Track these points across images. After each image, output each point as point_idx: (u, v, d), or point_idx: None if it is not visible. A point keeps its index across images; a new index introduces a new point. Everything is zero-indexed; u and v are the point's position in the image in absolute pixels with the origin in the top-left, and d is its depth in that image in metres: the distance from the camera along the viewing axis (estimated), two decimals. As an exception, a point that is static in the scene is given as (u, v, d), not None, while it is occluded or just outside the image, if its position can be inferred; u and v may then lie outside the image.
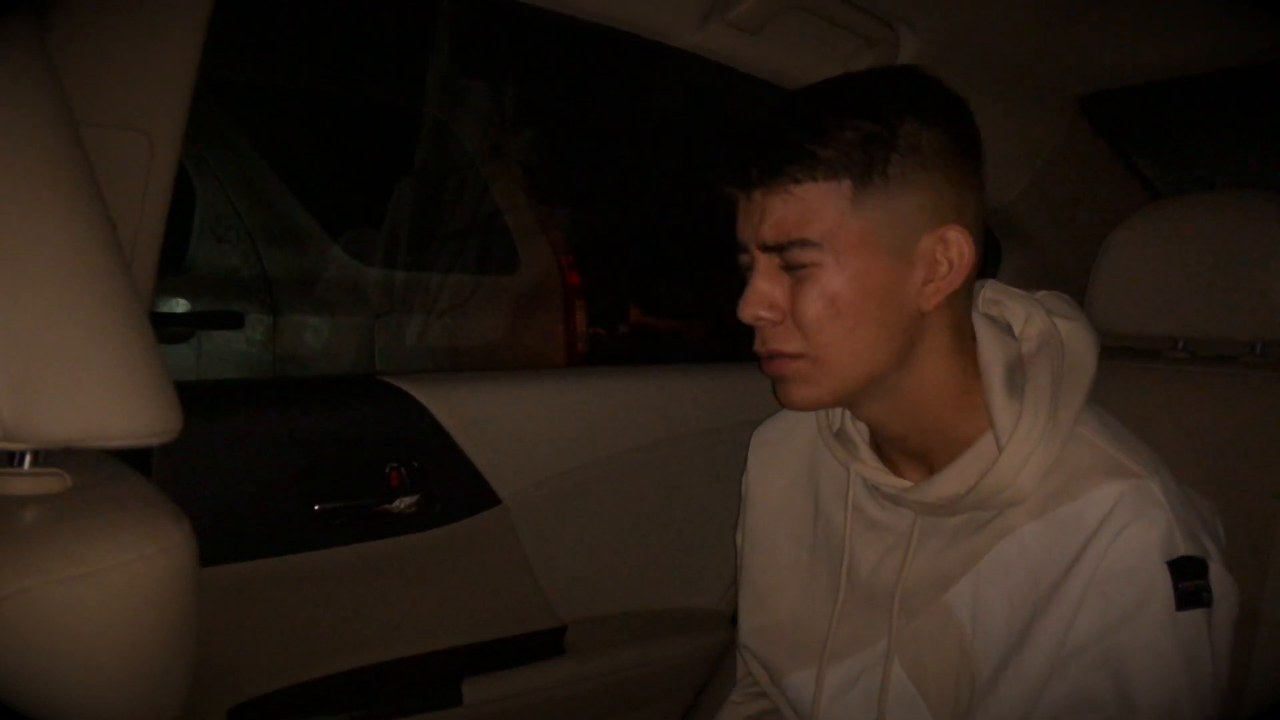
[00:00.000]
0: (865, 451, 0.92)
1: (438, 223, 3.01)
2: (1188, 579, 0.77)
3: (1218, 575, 0.78)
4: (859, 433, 0.94)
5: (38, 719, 0.55)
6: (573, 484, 1.38)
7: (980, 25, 1.30)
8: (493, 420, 1.31)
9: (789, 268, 0.81)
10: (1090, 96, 1.56)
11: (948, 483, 0.84)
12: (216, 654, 1.09)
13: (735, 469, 1.09)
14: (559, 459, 1.36)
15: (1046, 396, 0.82)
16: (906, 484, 0.88)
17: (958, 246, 0.80)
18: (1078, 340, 0.87)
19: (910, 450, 0.89)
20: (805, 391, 0.83)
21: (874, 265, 0.79)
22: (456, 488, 1.28)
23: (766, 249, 0.81)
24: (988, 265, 1.52)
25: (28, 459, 0.62)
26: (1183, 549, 0.77)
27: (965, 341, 0.86)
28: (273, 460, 1.17)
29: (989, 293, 0.93)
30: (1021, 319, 0.90)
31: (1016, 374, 0.84)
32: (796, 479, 1.02)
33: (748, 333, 0.86)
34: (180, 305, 2.56)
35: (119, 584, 0.58)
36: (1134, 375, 1.22)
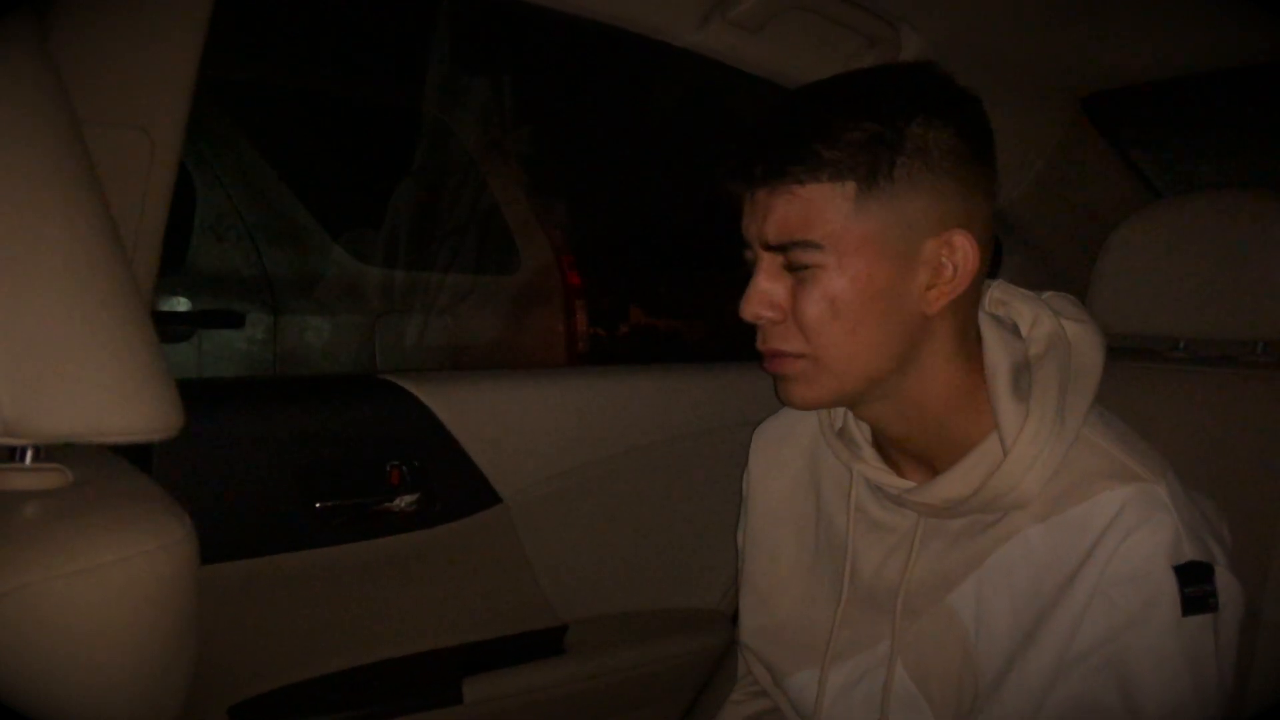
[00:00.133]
0: (868, 451, 0.92)
1: (438, 222, 3.01)
2: (1194, 584, 0.76)
3: (1224, 580, 0.78)
4: (861, 432, 0.93)
5: (37, 716, 0.55)
6: (573, 483, 1.38)
7: (981, 25, 1.30)
8: (494, 419, 1.31)
9: (791, 268, 0.80)
10: (1091, 96, 1.56)
11: (952, 484, 0.84)
12: (217, 652, 1.09)
13: (736, 468, 1.09)
14: (560, 458, 1.36)
15: (1053, 399, 0.81)
16: (909, 484, 0.88)
17: (963, 251, 0.80)
18: (1085, 342, 0.87)
19: (913, 451, 0.88)
20: (806, 391, 0.83)
21: (876, 268, 0.78)
22: (457, 486, 1.28)
23: (769, 248, 0.81)
24: (990, 265, 1.52)
25: (29, 454, 0.62)
26: (1189, 554, 0.77)
27: (970, 343, 0.85)
28: (273, 458, 1.17)
29: (997, 292, 0.92)
30: (1029, 320, 0.89)
31: (1022, 376, 0.83)
32: (798, 478, 1.02)
33: (748, 333, 0.86)
34: (181, 304, 2.56)
35: (119, 580, 0.58)
36: (1135, 375, 1.22)
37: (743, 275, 0.85)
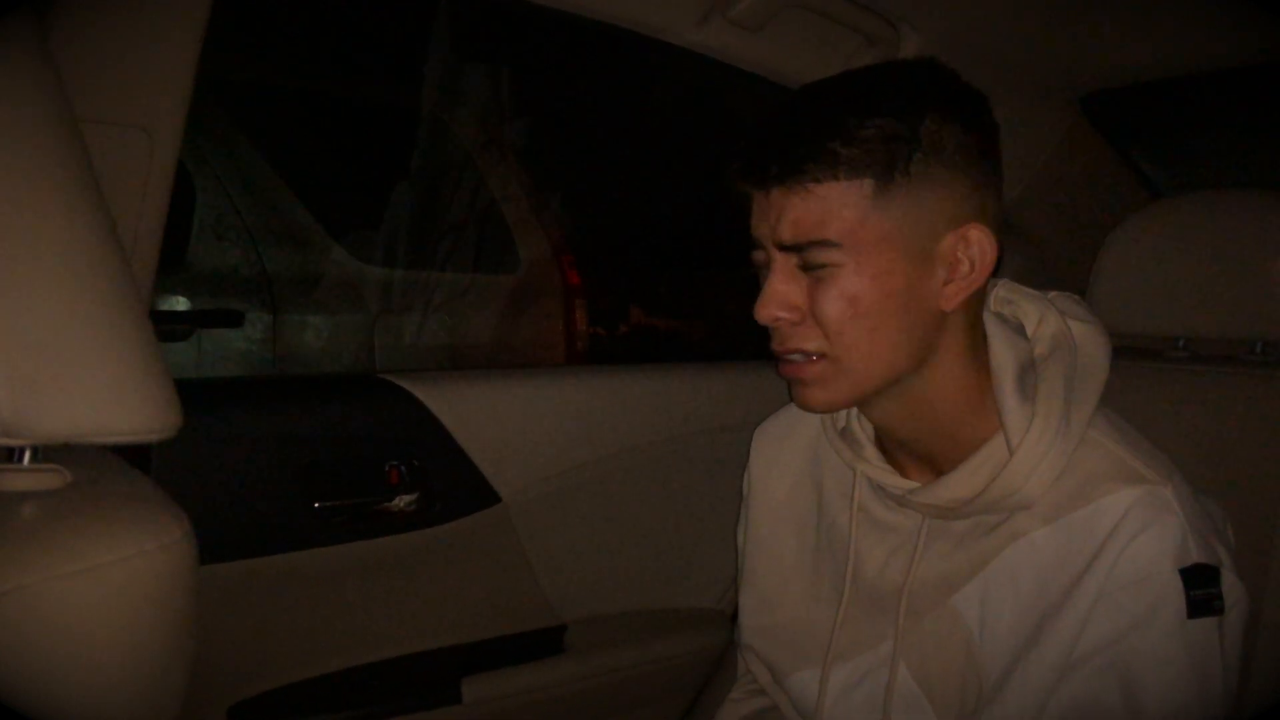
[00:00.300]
0: (871, 451, 0.91)
1: (438, 222, 3.01)
2: (1199, 587, 0.76)
3: (1229, 583, 0.78)
4: (864, 431, 0.93)
5: (37, 716, 0.55)
6: (573, 482, 1.38)
7: (981, 24, 1.30)
8: (493, 418, 1.31)
9: (807, 267, 0.79)
10: (1091, 96, 1.56)
11: (957, 485, 0.83)
12: (216, 652, 1.09)
13: (736, 468, 1.09)
14: (559, 457, 1.36)
15: (1059, 400, 0.81)
16: (913, 485, 0.87)
17: (979, 245, 0.79)
18: (1091, 343, 0.86)
19: (918, 451, 0.88)
20: (823, 394, 0.82)
21: (895, 265, 0.78)
22: (456, 486, 1.28)
23: (784, 248, 0.79)
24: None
25: (27, 455, 0.62)
26: (1195, 556, 0.76)
27: (979, 342, 0.85)
28: (272, 458, 1.17)
29: (1002, 292, 0.92)
30: (1035, 320, 0.89)
31: (1028, 376, 0.83)
32: (800, 477, 1.01)
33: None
34: (180, 303, 2.56)
35: (118, 580, 0.58)
36: (1134, 375, 1.22)
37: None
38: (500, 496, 1.31)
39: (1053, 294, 0.92)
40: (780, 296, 0.80)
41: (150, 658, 0.61)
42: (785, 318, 0.80)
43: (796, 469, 1.02)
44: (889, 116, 0.77)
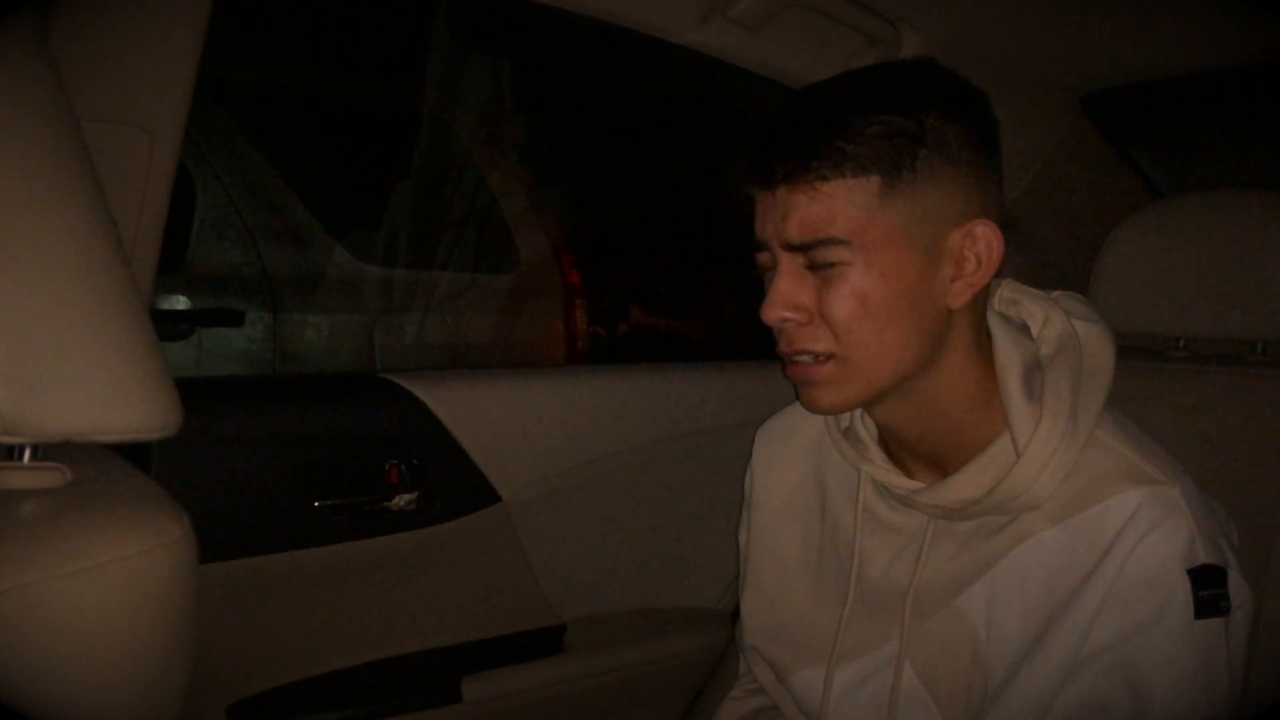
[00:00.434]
0: (875, 451, 0.91)
1: (438, 221, 3.01)
2: (1207, 588, 0.76)
3: (1236, 584, 0.78)
4: (868, 431, 0.92)
5: (37, 715, 0.55)
6: (573, 482, 1.38)
7: (982, 23, 1.30)
8: (493, 418, 1.31)
9: (814, 267, 0.78)
10: (1092, 95, 1.56)
11: (963, 486, 0.83)
12: (216, 651, 1.09)
13: (736, 468, 1.09)
14: (559, 457, 1.36)
15: (1066, 400, 0.81)
16: (918, 485, 0.87)
17: (986, 241, 0.79)
18: (1096, 343, 0.86)
19: (923, 452, 0.88)
20: (832, 396, 0.81)
21: (903, 262, 0.77)
22: (456, 485, 1.28)
23: (791, 248, 0.79)
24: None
25: (27, 453, 0.62)
26: (1203, 557, 0.76)
27: (984, 342, 0.85)
28: (272, 457, 1.17)
29: (1006, 291, 0.91)
30: (1040, 320, 0.88)
31: (1034, 376, 0.83)
32: (803, 477, 1.01)
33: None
34: (181, 302, 2.56)
35: (118, 579, 0.58)
36: (1135, 374, 1.22)
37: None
38: (500, 496, 1.31)
39: (1057, 293, 0.91)
40: (788, 297, 0.79)
41: (150, 656, 0.61)
42: (793, 319, 0.80)
43: (799, 469, 1.01)
44: (894, 113, 0.77)
